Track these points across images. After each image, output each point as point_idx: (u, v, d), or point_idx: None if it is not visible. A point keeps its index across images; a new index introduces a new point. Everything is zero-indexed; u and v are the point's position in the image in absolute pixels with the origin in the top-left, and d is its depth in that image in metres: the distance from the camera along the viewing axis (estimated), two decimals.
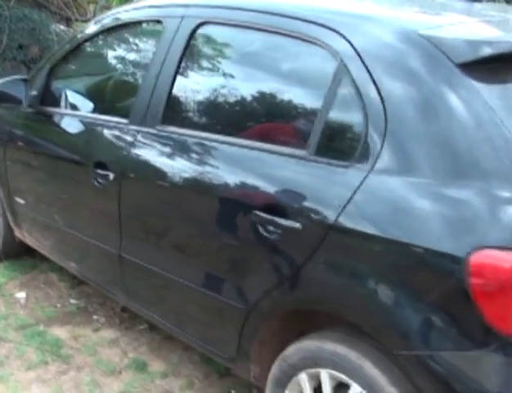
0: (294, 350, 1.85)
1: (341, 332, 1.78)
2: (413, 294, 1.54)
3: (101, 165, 2.40)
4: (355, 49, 1.71)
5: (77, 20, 6.41)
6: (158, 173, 2.20)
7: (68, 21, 6.74)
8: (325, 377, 1.77)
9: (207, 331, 2.22)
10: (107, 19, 2.71)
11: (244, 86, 2.08)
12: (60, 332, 2.86)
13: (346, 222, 1.63)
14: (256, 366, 2.02)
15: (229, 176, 1.96)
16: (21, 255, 3.50)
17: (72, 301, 3.16)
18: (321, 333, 1.83)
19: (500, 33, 1.89)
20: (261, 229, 1.82)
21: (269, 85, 2.02)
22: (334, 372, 1.75)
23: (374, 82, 1.65)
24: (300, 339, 1.86)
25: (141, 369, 2.61)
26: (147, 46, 2.54)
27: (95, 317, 3.02)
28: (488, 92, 1.56)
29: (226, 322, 2.06)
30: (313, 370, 1.81)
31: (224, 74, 2.17)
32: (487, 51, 1.56)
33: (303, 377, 1.84)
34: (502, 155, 1.51)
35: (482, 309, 1.42)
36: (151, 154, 2.24)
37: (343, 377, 1.72)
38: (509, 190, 1.47)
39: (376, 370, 1.64)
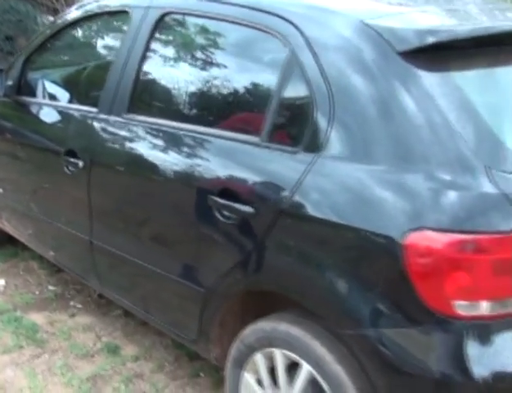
0: (251, 331, 1.91)
1: (294, 314, 1.83)
2: (357, 275, 1.59)
3: (72, 153, 2.46)
4: (305, 38, 1.75)
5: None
6: (123, 161, 2.26)
7: (56, 12, 6.75)
8: (279, 356, 1.83)
9: (172, 314, 2.29)
10: (78, 10, 2.75)
11: (203, 75, 2.12)
12: (36, 318, 2.92)
13: (294, 206, 1.68)
14: (216, 347, 2.08)
15: (188, 162, 2.01)
16: (3, 243, 3.56)
17: (50, 288, 3.22)
18: (276, 315, 1.89)
19: (452, 22, 1.93)
20: (217, 214, 1.87)
21: (227, 75, 2.06)
22: (286, 352, 1.80)
23: (321, 70, 1.70)
24: (256, 320, 1.92)
25: (114, 353, 2.67)
26: (116, 36, 2.58)
27: (72, 303, 3.08)
28: (430, 80, 1.60)
29: (187, 305, 2.12)
30: (268, 350, 1.86)
31: (185, 64, 2.23)
32: (428, 39, 1.59)
33: (259, 357, 1.89)
34: (443, 141, 1.55)
35: (418, 288, 1.48)
36: (117, 142, 2.30)
37: (295, 357, 1.78)
38: (449, 174, 1.51)
39: (324, 349, 1.69)
